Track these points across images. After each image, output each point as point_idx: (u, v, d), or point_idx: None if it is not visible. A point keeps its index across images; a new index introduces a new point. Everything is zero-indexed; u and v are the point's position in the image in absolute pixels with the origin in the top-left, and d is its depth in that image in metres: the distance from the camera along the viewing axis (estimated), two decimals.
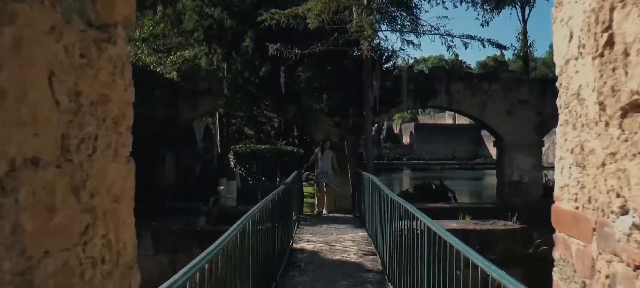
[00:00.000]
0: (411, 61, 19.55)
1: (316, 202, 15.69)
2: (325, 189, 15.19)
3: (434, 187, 25.45)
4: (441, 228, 4.88)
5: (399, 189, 31.58)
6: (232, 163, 14.23)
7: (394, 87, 17.24)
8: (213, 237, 4.48)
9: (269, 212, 6.71)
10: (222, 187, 12.02)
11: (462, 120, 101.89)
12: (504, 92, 22.68)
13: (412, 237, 6.46)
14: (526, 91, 22.76)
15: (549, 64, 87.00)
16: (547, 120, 23.03)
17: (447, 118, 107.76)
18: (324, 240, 10.15)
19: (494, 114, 22.72)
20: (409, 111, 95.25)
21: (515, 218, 10.85)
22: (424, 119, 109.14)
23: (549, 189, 23.54)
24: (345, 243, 9.92)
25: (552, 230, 2.15)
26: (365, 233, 10.92)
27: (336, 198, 22.82)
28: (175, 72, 23.20)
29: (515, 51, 26.85)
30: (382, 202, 8.83)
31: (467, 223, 10.82)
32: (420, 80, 21.82)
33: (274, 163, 13.85)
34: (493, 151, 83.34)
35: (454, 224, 10.67)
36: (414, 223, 6.28)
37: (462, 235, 10.06)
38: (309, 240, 10.22)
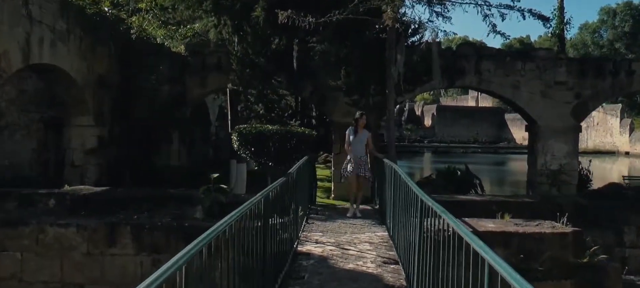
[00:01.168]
0: (441, 36, 17.74)
1: (350, 201, 11.90)
2: (355, 183, 11.47)
3: (459, 173, 23.60)
4: (490, 250, 3.25)
5: (421, 174, 29.88)
6: (235, 146, 12.60)
7: (420, 63, 15.49)
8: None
9: (259, 213, 5.12)
10: (215, 174, 10.37)
11: (485, 102, 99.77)
12: (539, 71, 20.80)
13: (445, 246, 4.88)
14: (563, 71, 20.85)
15: (578, 46, 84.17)
16: (586, 103, 21.15)
17: (469, 100, 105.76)
18: (335, 241, 8.51)
19: (527, 95, 20.86)
20: (431, 93, 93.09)
21: (565, 219, 9.11)
22: (446, 101, 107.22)
23: (584, 180, 21.67)
24: (361, 246, 8.28)
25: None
26: (386, 233, 9.27)
27: None
28: (182, 46, 21.61)
29: (551, 28, 24.93)
30: (406, 198, 7.21)
31: (506, 224, 9.12)
32: (447, 57, 20.00)
33: (283, 146, 12.18)
34: (517, 135, 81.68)
35: (491, 225, 8.97)
36: (446, 227, 4.69)
37: (503, 239, 8.40)
38: (317, 240, 8.60)
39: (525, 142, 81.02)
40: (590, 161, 24.14)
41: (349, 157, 11.35)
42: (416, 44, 15.58)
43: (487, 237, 8.41)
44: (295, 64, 16.18)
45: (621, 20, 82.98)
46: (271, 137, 11.94)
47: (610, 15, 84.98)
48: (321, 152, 36.60)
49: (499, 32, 13.54)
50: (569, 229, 8.60)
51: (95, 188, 12.86)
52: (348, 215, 11.21)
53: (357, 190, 11.61)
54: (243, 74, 16.19)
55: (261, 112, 16.50)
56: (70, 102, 18.08)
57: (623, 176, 26.34)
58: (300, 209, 8.73)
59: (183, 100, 21.84)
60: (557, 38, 27.87)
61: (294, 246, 7.94)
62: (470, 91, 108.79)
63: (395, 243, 8.12)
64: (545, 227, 8.77)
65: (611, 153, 69.52)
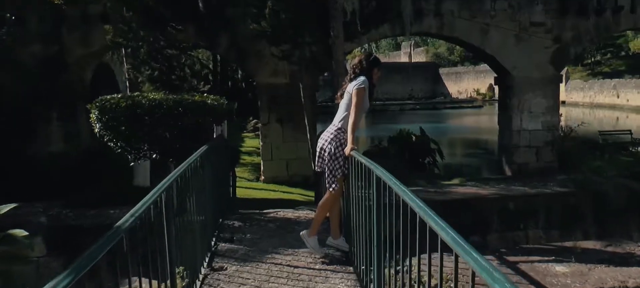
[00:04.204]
0: None
1: (331, 219, 6.06)
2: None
3: (413, 138, 19.59)
4: None
5: (368, 141, 25.80)
6: (96, 129, 7.80)
7: None
8: None
9: None
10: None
11: (418, 58, 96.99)
12: (512, 11, 16.84)
13: None
14: (541, 10, 16.96)
15: None
16: (567, 47, 17.42)
17: (402, 56, 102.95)
18: None
19: (498, 40, 16.90)
20: (362, 49, 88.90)
21: None
22: (379, 58, 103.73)
23: (568, 143, 18.17)
24: None
25: None
26: (353, 281, 4.89)
27: (289, 163, 16.85)
28: None
29: None
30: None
31: (587, 264, 4.99)
32: None
33: (172, 126, 7.47)
34: (452, 89, 79.54)
35: (562, 269, 4.82)
36: None
37: None
38: None
39: (461, 96, 78.88)
40: (561, 115, 20.64)
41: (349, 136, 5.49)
42: None
43: None
44: (201, 3, 11.44)
45: None
46: (152, 112, 7.22)
47: None
48: (250, 118, 32.07)
49: None
50: None
51: None
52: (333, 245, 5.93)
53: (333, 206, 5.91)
54: (125, 20, 11.28)
55: (156, 74, 11.65)
56: None
57: (599, 131, 23.10)
58: (184, 272, 4.18)
59: (62, 63, 16.64)
60: None
61: None
62: (402, 46, 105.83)
63: None
64: None
65: None
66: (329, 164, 5.56)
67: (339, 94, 5.90)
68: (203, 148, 5.85)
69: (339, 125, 5.59)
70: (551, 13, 17.00)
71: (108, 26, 12.66)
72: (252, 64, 16.06)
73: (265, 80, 16.04)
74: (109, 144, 7.62)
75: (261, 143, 16.85)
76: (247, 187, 15.44)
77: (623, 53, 68.66)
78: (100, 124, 7.43)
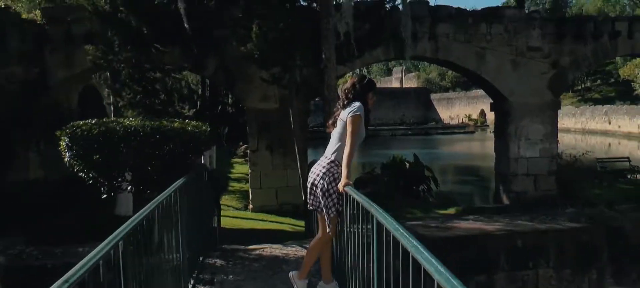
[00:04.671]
0: None
1: (321, 260, 5.46)
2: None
3: (407, 165, 19.10)
4: None
5: (361, 168, 25.20)
6: (66, 158, 7.16)
7: (372, 14, 10.53)
8: None
9: None
10: None
11: (410, 83, 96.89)
12: (508, 36, 16.44)
13: None
14: (537, 35, 16.55)
15: None
16: (565, 72, 17.01)
17: (394, 82, 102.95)
18: None
19: (495, 65, 16.45)
20: (353, 74, 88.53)
21: None
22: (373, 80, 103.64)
23: (567, 170, 17.61)
24: None
25: None
26: None
27: (279, 192, 16.19)
28: (38, 11, 15.77)
29: None
30: None
31: None
32: (393, 20, 15.18)
33: (149, 154, 6.84)
34: (443, 114, 79.32)
35: None
36: None
37: None
38: None
39: (452, 122, 78.57)
40: (557, 142, 20.19)
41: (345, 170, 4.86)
42: None
43: None
44: (186, 24, 10.89)
45: None
46: (127, 140, 6.58)
47: None
48: (240, 143, 31.43)
49: None
50: None
51: None
52: None
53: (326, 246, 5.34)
54: (107, 39, 10.71)
55: (138, 97, 11.03)
56: None
57: (597, 159, 22.64)
58: None
59: (43, 86, 16.01)
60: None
61: None
62: (394, 72, 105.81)
63: None
64: None
65: None
66: (322, 201, 4.94)
67: (330, 122, 5.27)
68: (179, 181, 5.22)
69: (332, 158, 4.97)
70: (548, 38, 16.62)
71: (89, 46, 12.05)
72: (240, 88, 15.50)
73: (254, 105, 15.47)
74: (80, 174, 6.96)
75: (250, 170, 16.21)
76: (234, 216, 14.78)
77: (612, 79, 68.80)
78: (70, 153, 6.79)
